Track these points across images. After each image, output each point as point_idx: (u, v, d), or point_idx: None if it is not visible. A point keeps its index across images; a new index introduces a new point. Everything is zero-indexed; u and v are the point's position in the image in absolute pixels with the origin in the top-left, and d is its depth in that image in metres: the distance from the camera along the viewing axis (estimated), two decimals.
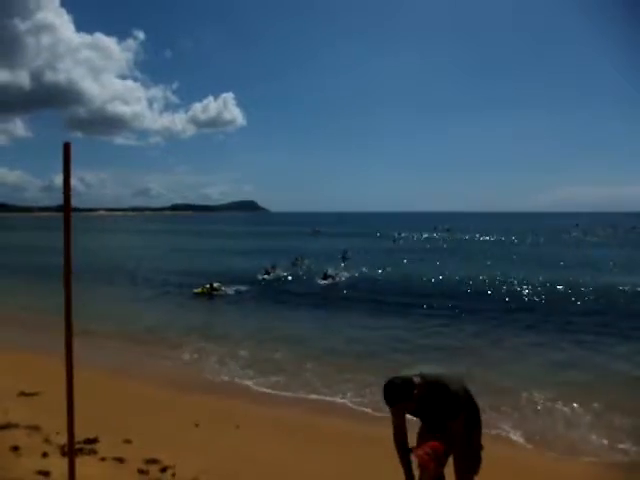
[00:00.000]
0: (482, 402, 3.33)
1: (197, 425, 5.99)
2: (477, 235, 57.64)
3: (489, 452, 3.13)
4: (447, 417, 2.94)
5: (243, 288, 19.19)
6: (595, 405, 7.18)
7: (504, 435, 6.30)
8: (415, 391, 2.86)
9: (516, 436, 6.33)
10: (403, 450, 3.11)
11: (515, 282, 20.56)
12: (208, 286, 18.02)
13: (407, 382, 2.88)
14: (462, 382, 3.10)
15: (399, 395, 2.88)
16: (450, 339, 11.48)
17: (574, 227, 77.68)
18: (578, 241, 48.50)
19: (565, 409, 7.14)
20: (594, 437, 6.25)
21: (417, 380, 2.89)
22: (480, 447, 3.04)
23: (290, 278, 22.55)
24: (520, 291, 18.60)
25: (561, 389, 7.88)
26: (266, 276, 22.25)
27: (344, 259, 30.81)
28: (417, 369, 3.01)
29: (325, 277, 21.43)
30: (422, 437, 3.05)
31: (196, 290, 17.91)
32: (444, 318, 13.83)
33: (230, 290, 18.56)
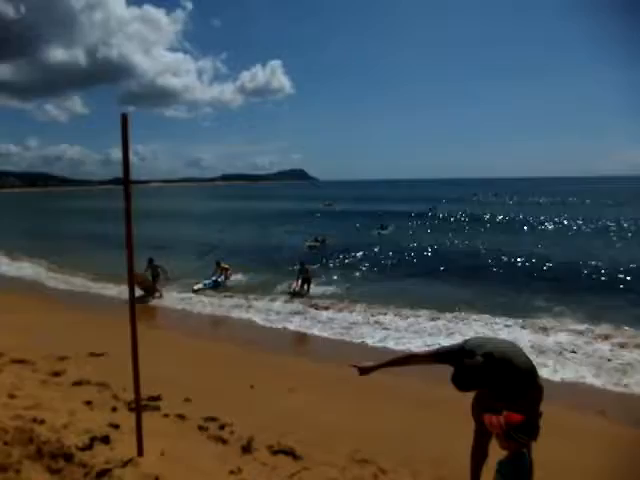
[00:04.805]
0: None
1: (252, 387, 6.24)
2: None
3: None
4: (526, 388, 2.94)
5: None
6: None
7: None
8: (483, 371, 2.86)
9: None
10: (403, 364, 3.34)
11: None
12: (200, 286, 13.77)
13: (477, 368, 2.86)
14: (523, 352, 3.08)
15: (470, 383, 2.90)
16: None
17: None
18: None
19: None
20: None
21: (481, 360, 2.87)
22: (540, 413, 3.01)
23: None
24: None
25: None
26: (220, 279, 14.37)
27: (380, 235, 27.80)
28: (482, 348, 3.00)
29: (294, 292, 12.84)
30: (489, 404, 3.02)
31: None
32: None
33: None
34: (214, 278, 14.06)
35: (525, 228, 29.51)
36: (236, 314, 11.15)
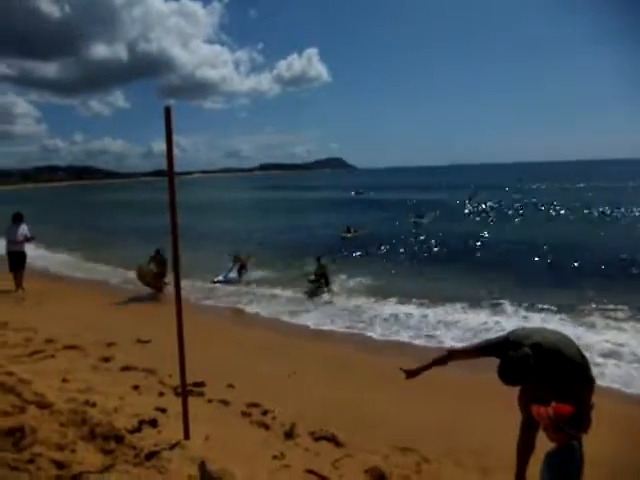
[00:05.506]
0: None
1: (294, 373, 6.32)
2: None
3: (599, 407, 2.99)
4: (576, 379, 2.86)
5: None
6: None
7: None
8: (531, 362, 2.78)
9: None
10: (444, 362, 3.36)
11: None
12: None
13: (524, 360, 2.78)
14: (574, 343, 2.98)
15: (518, 376, 2.82)
16: None
17: None
18: None
19: None
20: None
21: (528, 351, 2.79)
22: (591, 406, 2.91)
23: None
24: None
25: None
26: (243, 271, 13.93)
27: (417, 224, 25.69)
28: (530, 338, 2.90)
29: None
30: (537, 395, 2.94)
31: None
32: None
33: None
34: (234, 270, 13.81)
35: (570, 216, 28.18)
36: (260, 304, 11.02)
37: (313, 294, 11.77)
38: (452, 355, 3.40)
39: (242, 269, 13.86)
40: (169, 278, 11.76)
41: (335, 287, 12.40)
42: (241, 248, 15.58)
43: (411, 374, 3.44)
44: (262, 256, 16.48)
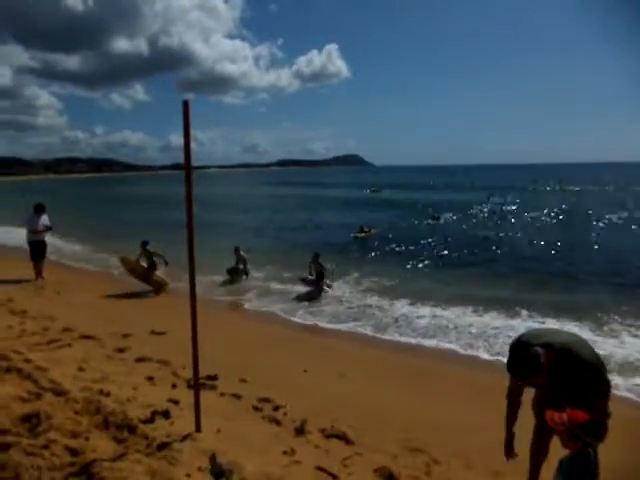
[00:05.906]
0: None
1: (305, 371, 6.33)
2: None
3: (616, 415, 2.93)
4: (590, 382, 2.79)
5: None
6: None
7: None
8: (542, 361, 2.71)
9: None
10: (511, 412, 3.09)
11: None
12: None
13: (533, 356, 2.73)
14: (587, 343, 2.93)
15: (526, 371, 2.77)
16: None
17: None
18: None
19: None
20: None
21: (541, 351, 2.73)
22: (607, 414, 2.84)
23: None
24: None
25: None
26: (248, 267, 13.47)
27: (432, 225, 25.82)
28: (541, 338, 2.85)
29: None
30: (551, 400, 2.89)
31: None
32: None
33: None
34: (240, 265, 13.49)
35: (586, 220, 27.55)
36: (269, 301, 11.01)
37: (311, 295, 11.47)
38: (512, 395, 3.13)
39: (239, 263, 13.48)
40: (165, 272, 11.84)
41: (333, 288, 12.00)
42: (245, 243, 15.43)
43: (511, 452, 3.18)
44: (272, 252, 16.50)
